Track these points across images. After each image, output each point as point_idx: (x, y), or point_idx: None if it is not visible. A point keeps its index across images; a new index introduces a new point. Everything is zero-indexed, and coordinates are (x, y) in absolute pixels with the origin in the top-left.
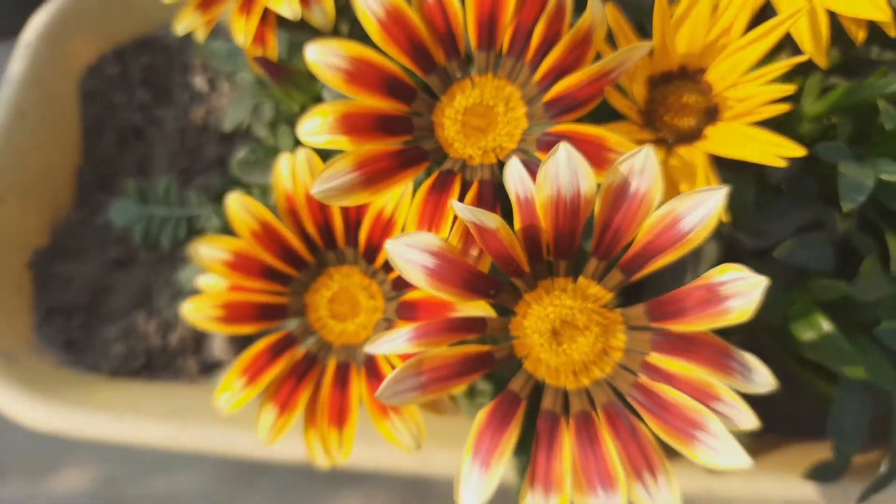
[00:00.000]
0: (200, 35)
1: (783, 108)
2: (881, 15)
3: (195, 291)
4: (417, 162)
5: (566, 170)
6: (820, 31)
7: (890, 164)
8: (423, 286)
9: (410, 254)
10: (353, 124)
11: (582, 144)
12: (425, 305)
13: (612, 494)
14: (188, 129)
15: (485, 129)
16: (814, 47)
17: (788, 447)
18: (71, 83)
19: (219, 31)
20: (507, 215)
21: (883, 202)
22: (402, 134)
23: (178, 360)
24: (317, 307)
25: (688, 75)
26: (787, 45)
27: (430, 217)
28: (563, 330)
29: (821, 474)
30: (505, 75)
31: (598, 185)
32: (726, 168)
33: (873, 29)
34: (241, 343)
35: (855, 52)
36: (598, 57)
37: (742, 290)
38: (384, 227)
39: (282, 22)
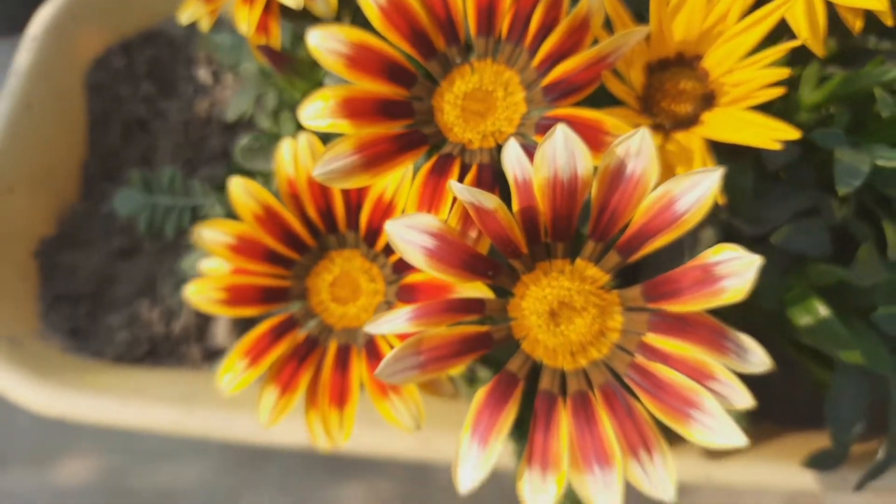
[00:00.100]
0: (204, 25)
1: (778, 91)
2: (877, 4)
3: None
4: (417, 145)
5: (563, 151)
6: (816, 20)
7: (886, 149)
8: (423, 267)
9: (410, 235)
10: (354, 108)
11: (580, 128)
12: (425, 288)
13: (609, 472)
14: (192, 121)
15: (484, 114)
16: (810, 35)
17: (787, 435)
18: (77, 76)
19: (223, 24)
20: (506, 199)
21: (880, 189)
22: (403, 118)
23: (181, 348)
24: (318, 290)
25: (685, 62)
26: (785, 35)
27: (430, 200)
28: (560, 311)
29: (820, 462)
30: (504, 60)
31: (595, 168)
32: (724, 155)
33: (870, 18)
34: (243, 331)
35: (852, 41)
36: (595, 43)
37: (737, 270)
38: (385, 211)
39: (284, 11)
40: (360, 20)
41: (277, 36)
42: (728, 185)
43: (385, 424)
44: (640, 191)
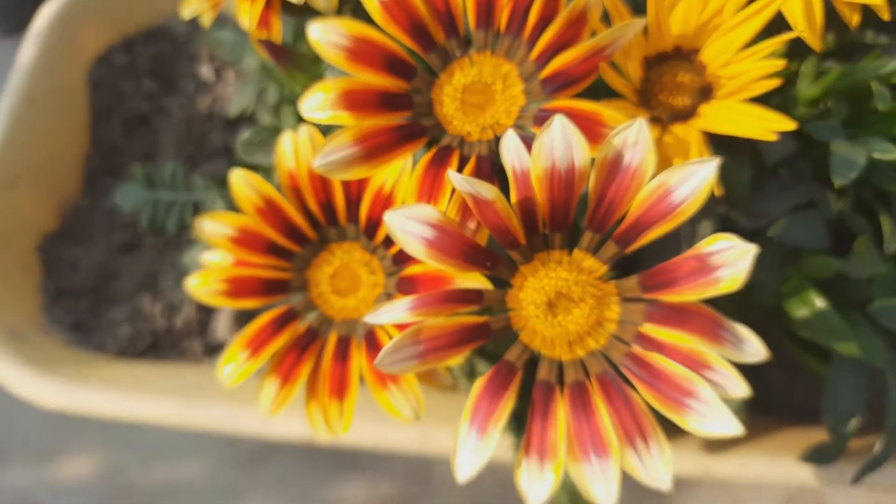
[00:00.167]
0: (206, 20)
1: (774, 82)
2: None
3: None
4: (417, 137)
5: (561, 142)
6: (814, 14)
7: (882, 142)
8: (422, 257)
9: (410, 225)
10: (355, 100)
11: (578, 120)
12: (425, 280)
13: (605, 461)
14: (194, 117)
15: (483, 106)
16: (807, 29)
17: (786, 430)
18: (80, 72)
19: (225, 21)
20: (505, 192)
21: (877, 184)
22: (403, 110)
23: (183, 342)
24: (319, 283)
25: (682, 55)
26: (783, 30)
27: (429, 191)
28: (558, 302)
29: (818, 456)
30: (503, 53)
31: (593, 160)
32: (723, 149)
33: (867, 13)
34: (243, 326)
35: (850, 36)
36: (593, 35)
37: (732, 260)
38: (384, 203)
39: (286, 6)
40: (361, 15)
41: (279, 31)
42: (726, 179)
43: (386, 418)
44: (636, 181)
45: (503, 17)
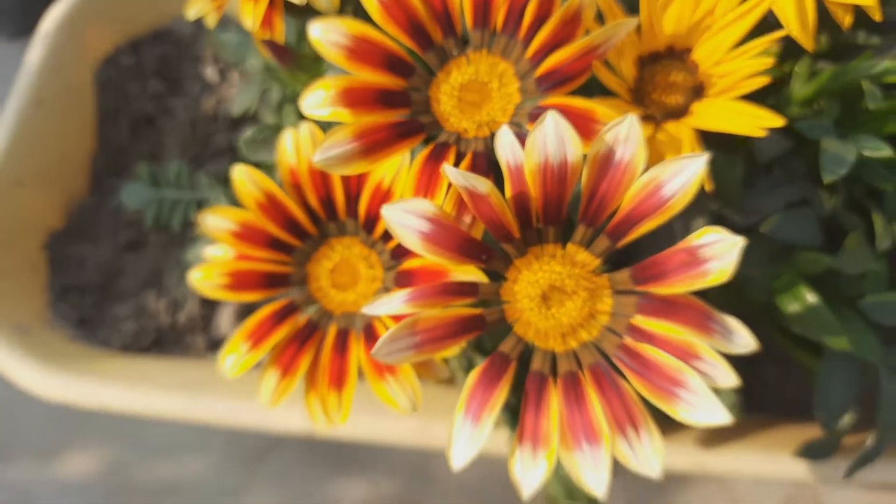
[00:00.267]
0: (211, 21)
1: (763, 80)
2: None
3: None
4: (414, 134)
5: (553, 138)
6: (806, 14)
7: (873, 140)
8: (419, 250)
9: (407, 219)
10: (354, 98)
11: (571, 116)
12: (422, 274)
13: (597, 449)
14: (199, 118)
15: (479, 104)
16: (800, 29)
17: (781, 427)
18: (87, 73)
19: (229, 24)
20: (500, 188)
21: (868, 182)
22: (401, 108)
23: (186, 337)
24: (318, 277)
25: (675, 55)
26: (777, 30)
27: (426, 186)
28: (551, 295)
29: (812, 451)
30: (499, 52)
31: (586, 156)
32: (717, 148)
33: (860, 14)
34: None
35: (843, 37)
36: (587, 34)
37: (720, 252)
38: (383, 198)
39: (289, 7)
40: (362, 15)
41: (281, 31)
42: (718, 176)
43: (384, 411)
44: (628, 176)
45: (499, 17)
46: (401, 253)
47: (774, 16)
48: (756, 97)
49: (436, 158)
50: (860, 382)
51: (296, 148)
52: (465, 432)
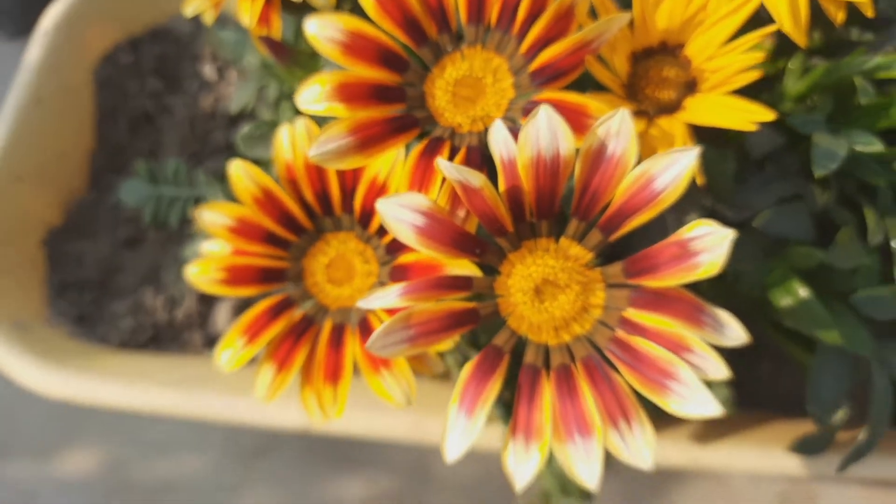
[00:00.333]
0: (208, 18)
1: (755, 74)
2: None
3: None
4: (409, 128)
5: (546, 132)
6: (798, 10)
7: (865, 135)
8: (413, 244)
9: (401, 213)
10: (350, 93)
11: (565, 111)
12: (416, 268)
13: (589, 441)
14: (197, 115)
15: (474, 99)
16: (792, 25)
17: (775, 422)
18: (86, 71)
19: (227, 22)
20: (494, 182)
21: (860, 177)
22: (396, 103)
23: (184, 334)
24: (314, 272)
25: (668, 50)
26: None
27: (420, 180)
28: (544, 288)
29: (806, 447)
30: (493, 48)
31: (578, 150)
32: (710, 142)
33: (852, 10)
34: None
35: (836, 33)
36: (580, 30)
37: (710, 245)
38: (378, 193)
39: (286, 4)
40: (359, 12)
41: (278, 27)
42: (711, 171)
43: (379, 406)
44: (620, 170)
45: (493, 13)
46: (396, 248)
47: (768, 12)
48: (750, 94)
49: (430, 153)
50: (852, 377)
51: (292, 143)
52: (460, 425)
